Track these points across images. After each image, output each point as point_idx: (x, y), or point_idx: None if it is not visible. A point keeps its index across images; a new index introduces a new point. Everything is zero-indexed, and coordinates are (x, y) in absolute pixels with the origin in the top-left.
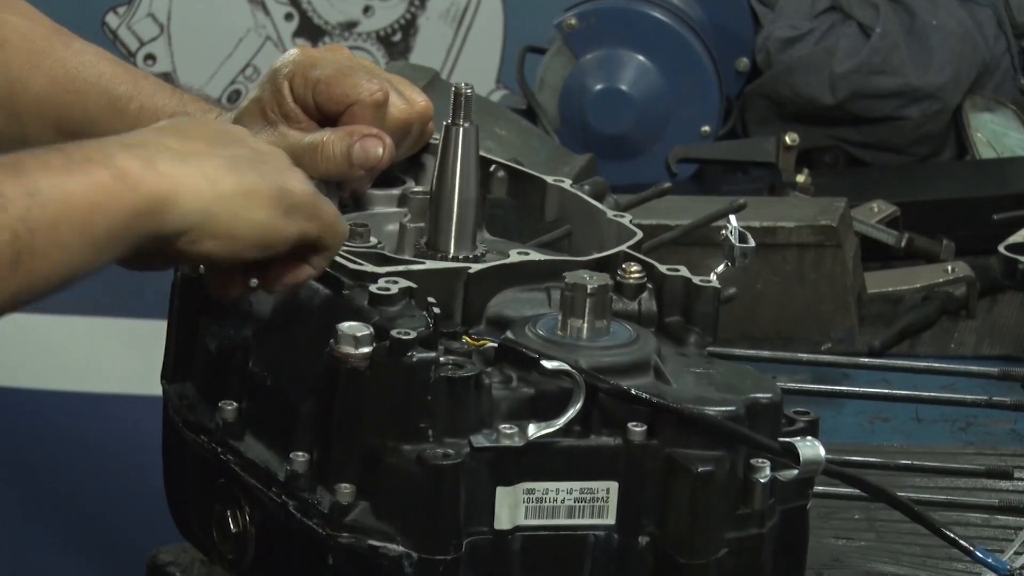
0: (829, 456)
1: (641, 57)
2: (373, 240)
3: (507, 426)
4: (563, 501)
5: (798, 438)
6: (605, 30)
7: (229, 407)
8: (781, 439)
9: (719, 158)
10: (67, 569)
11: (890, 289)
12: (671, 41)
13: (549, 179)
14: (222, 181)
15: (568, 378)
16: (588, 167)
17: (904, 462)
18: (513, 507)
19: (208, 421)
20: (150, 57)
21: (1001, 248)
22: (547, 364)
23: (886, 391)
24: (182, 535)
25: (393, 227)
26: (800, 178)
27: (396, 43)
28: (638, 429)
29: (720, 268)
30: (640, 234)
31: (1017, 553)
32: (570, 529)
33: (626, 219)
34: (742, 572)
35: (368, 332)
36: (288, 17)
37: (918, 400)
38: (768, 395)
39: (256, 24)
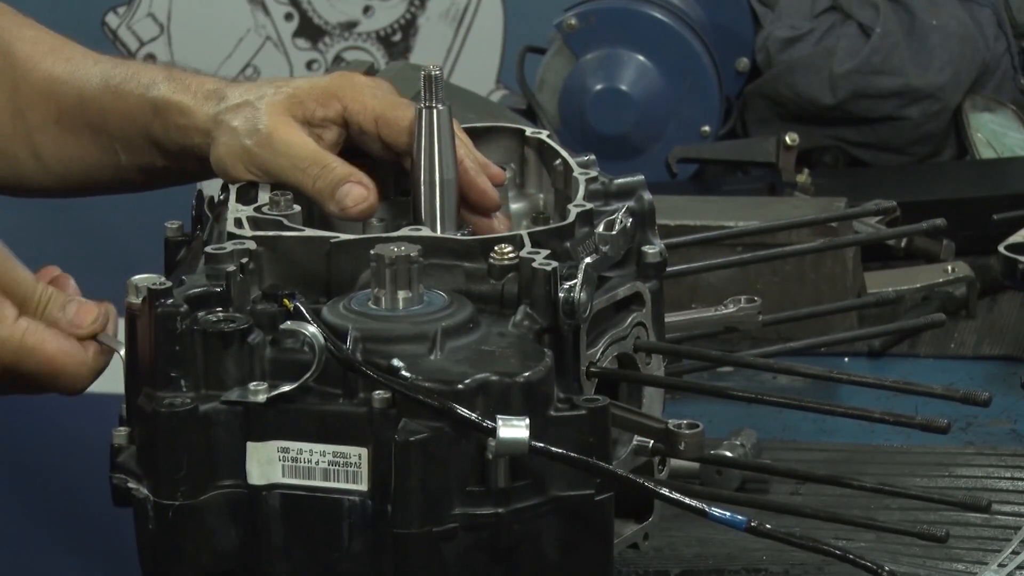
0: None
1: (641, 57)
2: (296, 208)
3: (258, 383)
4: (317, 463)
5: (510, 417)
6: (605, 30)
7: None
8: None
9: (719, 158)
10: (67, 569)
11: (890, 289)
12: (671, 41)
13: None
14: None
15: (308, 343)
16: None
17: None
18: (265, 463)
19: None
20: (150, 57)
21: (1001, 248)
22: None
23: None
24: None
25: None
26: (800, 178)
27: (396, 43)
28: (380, 396)
29: None
30: (555, 225)
31: (1015, 552)
32: (325, 492)
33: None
34: (480, 550)
35: (158, 286)
36: (288, 17)
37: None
38: (509, 378)
39: (256, 24)
